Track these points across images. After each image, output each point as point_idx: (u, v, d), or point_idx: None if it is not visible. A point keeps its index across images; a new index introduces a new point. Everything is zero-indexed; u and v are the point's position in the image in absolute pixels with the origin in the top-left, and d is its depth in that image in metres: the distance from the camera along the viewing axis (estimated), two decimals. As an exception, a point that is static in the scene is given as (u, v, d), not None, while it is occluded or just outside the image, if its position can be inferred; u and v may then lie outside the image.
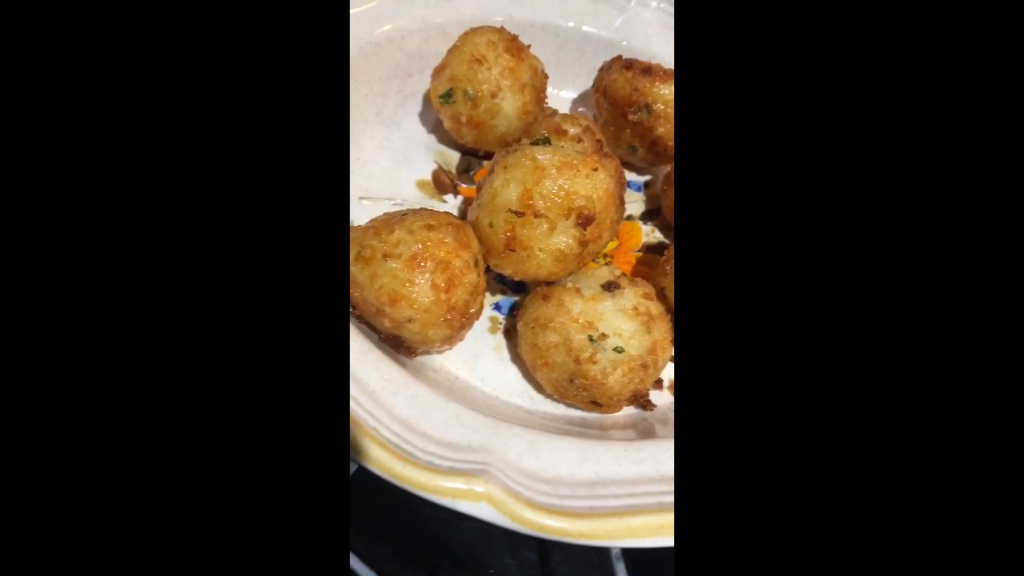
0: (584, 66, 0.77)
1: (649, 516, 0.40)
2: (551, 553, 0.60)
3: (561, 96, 0.79)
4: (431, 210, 0.52)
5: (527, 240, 0.51)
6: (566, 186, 0.50)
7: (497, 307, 0.61)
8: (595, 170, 0.51)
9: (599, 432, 0.53)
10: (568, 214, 0.51)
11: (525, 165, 0.51)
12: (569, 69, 0.78)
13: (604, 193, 0.52)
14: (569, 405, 0.55)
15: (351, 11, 0.67)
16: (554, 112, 0.67)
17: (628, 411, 0.56)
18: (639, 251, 0.69)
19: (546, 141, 0.57)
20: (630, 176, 0.75)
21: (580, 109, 0.79)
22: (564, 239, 0.52)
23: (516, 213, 0.51)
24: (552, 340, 0.52)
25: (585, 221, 0.52)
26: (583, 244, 0.53)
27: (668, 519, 0.40)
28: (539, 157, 0.51)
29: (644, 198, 0.74)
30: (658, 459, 0.45)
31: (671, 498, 0.42)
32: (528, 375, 0.56)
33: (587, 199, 0.51)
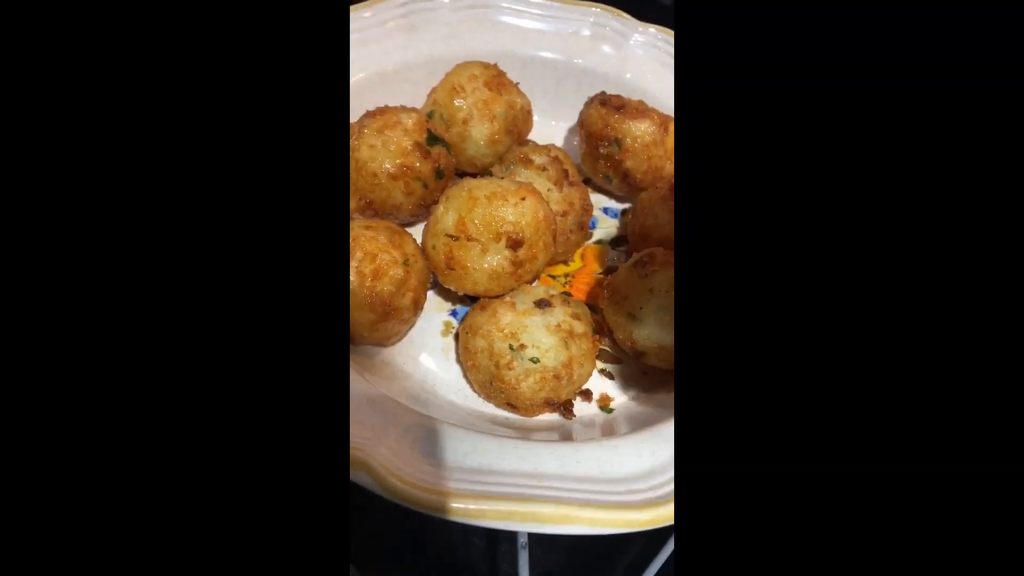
0: (580, 99, 0.83)
1: (506, 503, 0.46)
2: (499, 543, 0.67)
3: (558, 126, 0.86)
4: (380, 220, 0.60)
5: (463, 260, 0.59)
6: (495, 213, 0.57)
7: (453, 313, 0.68)
8: (523, 199, 0.58)
9: (522, 432, 0.60)
10: (498, 238, 0.58)
11: (461, 195, 0.58)
12: (566, 101, 0.84)
13: (533, 219, 0.59)
14: (498, 405, 0.62)
15: (366, 47, 0.77)
16: (527, 142, 0.74)
17: (553, 416, 0.62)
18: (601, 274, 0.74)
19: (489, 174, 0.65)
20: (610, 203, 0.81)
21: (574, 140, 0.85)
22: (496, 259, 0.59)
23: (452, 237, 0.58)
24: (480, 345, 0.59)
25: (515, 244, 0.58)
26: (517, 264, 0.60)
27: (526, 508, 0.46)
28: (473, 188, 0.58)
29: (618, 224, 0.79)
30: (542, 459, 0.51)
31: (536, 491, 0.48)
32: (466, 376, 0.64)
33: (515, 224, 0.58)
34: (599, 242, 0.77)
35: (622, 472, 0.51)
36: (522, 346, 0.57)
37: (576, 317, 0.60)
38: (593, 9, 0.84)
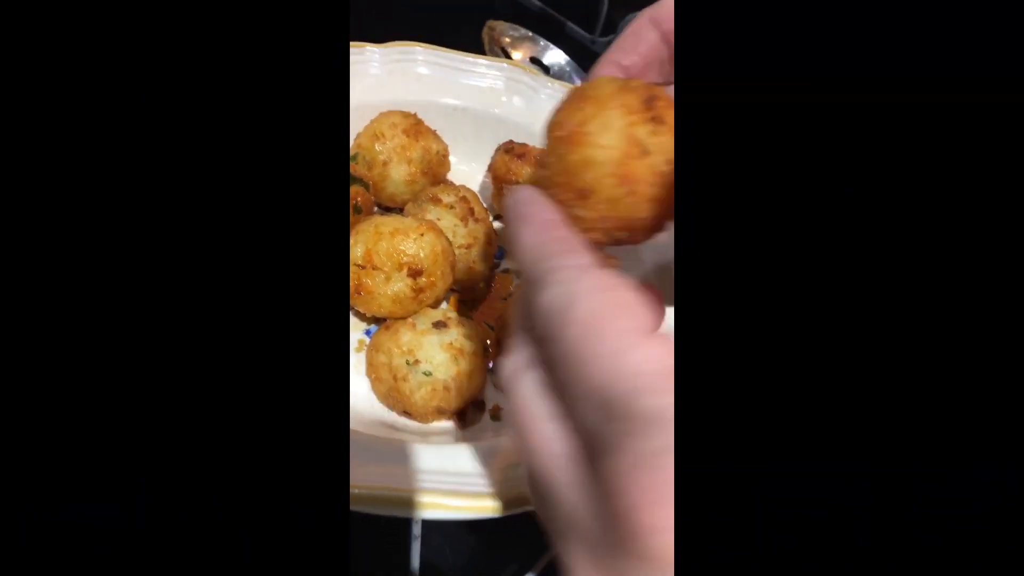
0: (495, 145, 0.93)
1: (378, 491, 0.55)
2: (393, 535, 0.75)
3: (478, 168, 0.96)
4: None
5: (370, 286, 0.68)
6: (397, 246, 0.67)
7: (367, 332, 0.77)
8: (422, 235, 0.68)
9: (420, 436, 0.68)
10: (400, 267, 0.67)
11: (369, 230, 0.68)
12: (484, 146, 0.94)
13: (431, 252, 0.68)
14: (398, 414, 0.71)
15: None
16: (440, 182, 0.83)
17: (448, 424, 0.71)
18: (505, 299, 0.84)
19: (399, 211, 0.74)
20: (517, 237, 0.91)
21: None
22: (399, 286, 0.68)
23: (360, 266, 0.68)
24: (382, 360, 0.68)
25: (415, 273, 0.68)
26: (417, 290, 0.69)
27: (394, 495, 0.55)
28: (379, 224, 0.68)
29: (524, 256, 0.89)
30: (418, 456, 0.60)
31: (405, 482, 0.56)
32: (372, 387, 0.72)
33: (414, 257, 0.67)
34: (505, 271, 0.87)
35: (467, 468, 0.59)
36: (417, 361, 0.66)
37: (468, 337, 0.69)
38: (505, 65, 0.94)
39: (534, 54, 1.22)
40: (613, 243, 0.38)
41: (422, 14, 1.24)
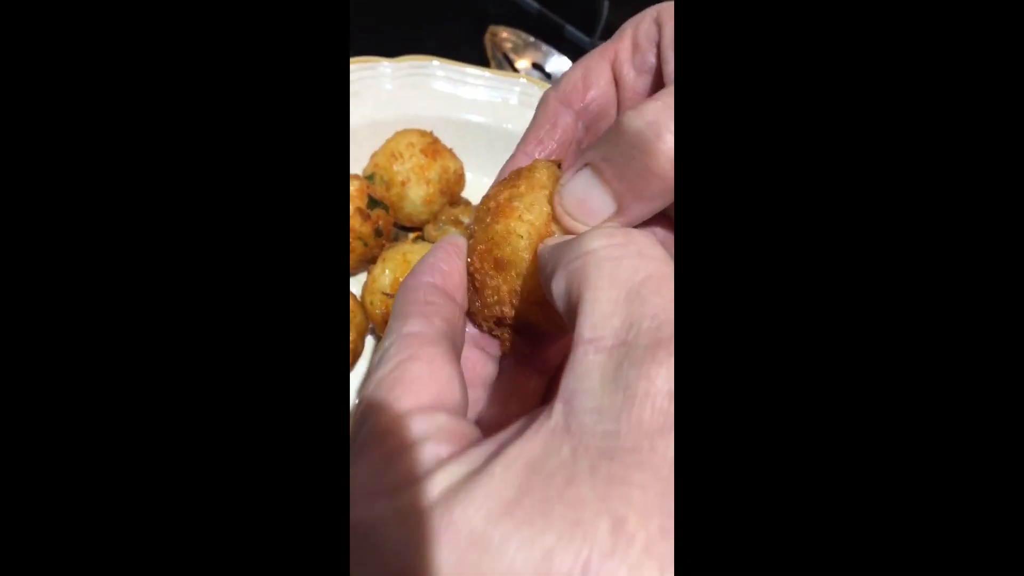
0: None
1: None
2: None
3: (490, 183, 0.95)
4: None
5: (398, 313, 0.67)
6: (426, 276, 0.66)
7: (390, 358, 0.77)
8: (451, 265, 0.67)
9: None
10: (428, 296, 0.67)
11: (396, 259, 0.67)
12: (497, 161, 0.91)
13: (459, 282, 0.68)
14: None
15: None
16: (459, 203, 0.83)
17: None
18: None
19: (421, 238, 0.74)
20: (533, 254, 0.90)
21: (504, 193, 0.94)
22: (427, 314, 0.68)
23: (388, 295, 0.67)
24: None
25: (443, 302, 0.67)
26: (444, 319, 0.68)
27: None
28: (407, 253, 0.67)
29: (541, 274, 0.89)
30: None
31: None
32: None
33: (443, 286, 0.67)
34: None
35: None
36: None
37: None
38: (520, 80, 0.93)
39: (537, 60, 1.21)
40: (521, 330, 0.38)
41: (417, 16, 1.22)
